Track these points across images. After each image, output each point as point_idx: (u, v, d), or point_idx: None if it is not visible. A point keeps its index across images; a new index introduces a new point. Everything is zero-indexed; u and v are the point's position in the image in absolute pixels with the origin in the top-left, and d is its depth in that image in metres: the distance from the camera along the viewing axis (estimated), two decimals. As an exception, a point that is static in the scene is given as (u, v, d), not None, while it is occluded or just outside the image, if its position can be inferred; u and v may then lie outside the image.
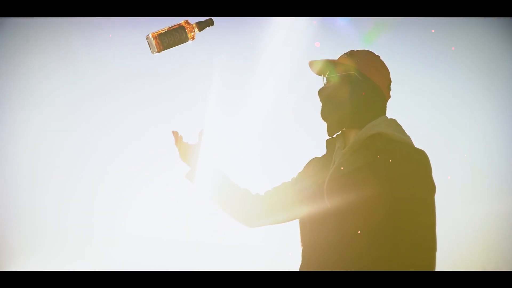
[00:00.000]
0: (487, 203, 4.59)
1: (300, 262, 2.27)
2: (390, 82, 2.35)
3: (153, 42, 2.46)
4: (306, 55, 4.29)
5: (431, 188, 2.14)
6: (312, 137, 4.60)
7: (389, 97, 2.36)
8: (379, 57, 2.38)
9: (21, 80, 4.66)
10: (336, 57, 2.38)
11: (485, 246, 4.57)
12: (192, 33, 2.50)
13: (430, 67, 4.74)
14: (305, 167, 2.45)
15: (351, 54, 2.35)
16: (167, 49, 2.49)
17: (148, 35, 2.47)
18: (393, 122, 2.29)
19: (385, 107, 2.34)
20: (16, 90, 4.66)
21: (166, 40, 2.47)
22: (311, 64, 2.38)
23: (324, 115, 2.33)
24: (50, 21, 4.53)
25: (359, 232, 2.13)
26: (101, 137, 4.73)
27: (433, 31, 4.46)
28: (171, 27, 2.48)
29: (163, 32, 2.47)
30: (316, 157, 2.44)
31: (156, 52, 2.49)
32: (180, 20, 2.50)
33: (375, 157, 2.18)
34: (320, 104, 2.35)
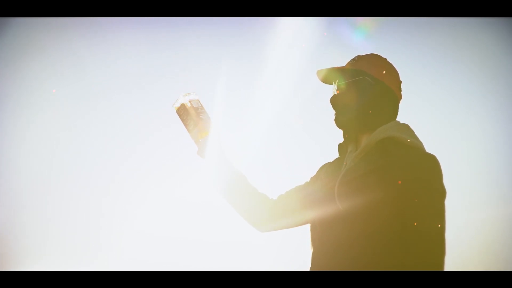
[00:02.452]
0: (496, 206, 4.60)
1: (310, 264, 2.28)
2: (400, 82, 2.37)
3: (183, 100, 2.36)
4: (312, 56, 4.30)
5: (441, 193, 2.14)
6: (317, 141, 4.60)
7: (400, 97, 2.37)
8: (386, 59, 2.40)
9: (23, 80, 4.67)
10: (341, 64, 2.40)
11: (491, 250, 4.57)
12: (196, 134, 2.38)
13: (428, 67, 4.74)
14: (317, 171, 2.46)
15: (359, 59, 2.35)
16: (178, 115, 2.40)
17: (192, 97, 2.37)
18: (405, 126, 2.30)
19: (397, 108, 2.36)
20: (18, 91, 4.66)
21: (187, 112, 2.36)
22: (319, 73, 2.38)
23: (341, 122, 2.33)
24: (52, 21, 4.53)
25: (368, 235, 2.13)
26: (105, 138, 4.74)
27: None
28: (199, 120, 2.35)
29: (197, 108, 2.35)
30: (329, 162, 2.45)
31: (175, 105, 2.40)
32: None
33: (385, 161, 2.19)
34: (334, 112, 2.34)
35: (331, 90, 2.38)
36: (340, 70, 2.35)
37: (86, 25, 4.63)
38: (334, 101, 2.35)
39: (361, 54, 2.38)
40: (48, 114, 4.69)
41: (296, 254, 4.47)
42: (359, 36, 4.43)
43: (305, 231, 2.40)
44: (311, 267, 2.27)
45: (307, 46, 4.33)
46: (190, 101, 2.38)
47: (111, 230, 4.72)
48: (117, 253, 4.70)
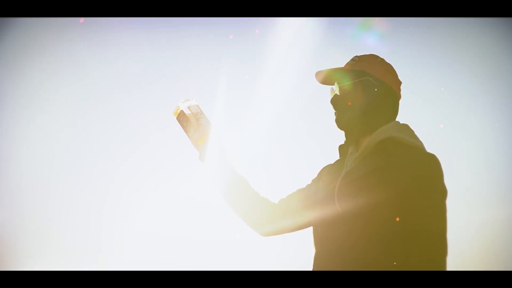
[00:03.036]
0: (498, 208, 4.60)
1: (312, 265, 2.28)
2: (400, 82, 2.37)
3: (183, 107, 2.36)
4: (314, 57, 4.29)
5: (442, 192, 2.13)
6: (318, 141, 4.60)
7: (400, 96, 2.37)
8: (384, 59, 2.40)
9: (23, 80, 4.67)
10: (338, 65, 2.38)
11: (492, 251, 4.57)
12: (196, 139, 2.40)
13: (428, 67, 4.74)
14: (318, 174, 2.45)
15: (359, 59, 2.35)
16: (178, 122, 2.40)
17: (191, 103, 2.38)
18: (405, 126, 2.30)
19: (398, 107, 2.35)
20: (18, 91, 4.66)
21: (186, 118, 2.36)
22: (319, 74, 2.37)
23: (342, 123, 2.31)
24: (52, 21, 4.53)
25: (369, 236, 2.13)
26: (105, 138, 4.74)
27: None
28: (199, 126, 2.34)
29: (194, 112, 2.36)
30: (329, 164, 2.44)
31: (175, 112, 2.41)
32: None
33: (386, 162, 2.18)
34: (335, 113, 2.33)
35: (330, 91, 2.37)
36: (342, 70, 2.34)
37: (86, 25, 4.63)
38: (336, 101, 2.33)
39: (359, 55, 2.38)
40: (48, 114, 4.69)
41: (296, 254, 4.47)
42: (373, 37, 4.42)
43: (306, 232, 2.39)
44: (313, 268, 2.26)
45: (307, 46, 4.33)
46: (189, 107, 2.38)
47: (112, 230, 4.72)
48: (118, 253, 4.70)
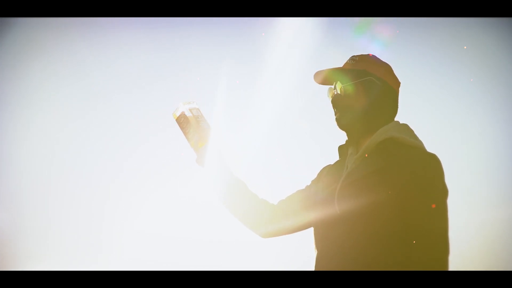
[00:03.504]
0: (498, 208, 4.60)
1: (314, 266, 2.27)
2: (400, 82, 2.36)
3: (184, 109, 2.36)
4: (314, 57, 4.29)
5: (443, 192, 2.13)
6: (318, 141, 4.60)
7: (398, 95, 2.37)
8: (381, 59, 2.39)
9: (23, 80, 4.67)
10: (337, 64, 2.38)
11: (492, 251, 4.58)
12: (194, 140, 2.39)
13: (428, 67, 4.74)
14: (318, 174, 2.44)
15: (360, 59, 2.33)
16: (178, 124, 2.40)
17: (192, 106, 2.37)
18: (405, 126, 2.29)
19: (397, 106, 2.35)
20: (18, 91, 4.67)
21: (187, 120, 2.35)
22: (318, 74, 2.36)
23: (344, 123, 2.30)
24: (52, 21, 4.54)
25: (369, 236, 2.12)
26: (105, 138, 4.74)
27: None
28: (199, 128, 2.34)
29: (195, 115, 2.35)
30: (329, 164, 2.43)
31: (175, 113, 2.40)
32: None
33: (386, 162, 2.17)
34: (335, 113, 2.32)
35: (329, 90, 2.36)
36: (343, 70, 2.33)
37: (86, 25, 4.63)
38: (337, 101, 2.32)
39: (358, 54, 2.36)
40: (48, 114, 4.70)
41: (296, 255, 4.47)
42: (371, 39, 4.42)
43: (306, 233, 2.39)
44: (315, 269, 2.26)
45: (307, 46, 4.33)
46: (190, 110, 2.38)
47: (112, 230, 4.72)
48: (118, 253, 4.70)
